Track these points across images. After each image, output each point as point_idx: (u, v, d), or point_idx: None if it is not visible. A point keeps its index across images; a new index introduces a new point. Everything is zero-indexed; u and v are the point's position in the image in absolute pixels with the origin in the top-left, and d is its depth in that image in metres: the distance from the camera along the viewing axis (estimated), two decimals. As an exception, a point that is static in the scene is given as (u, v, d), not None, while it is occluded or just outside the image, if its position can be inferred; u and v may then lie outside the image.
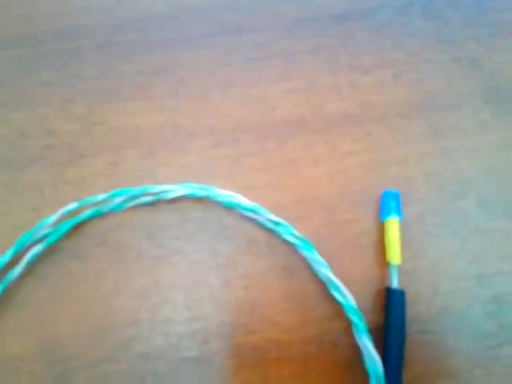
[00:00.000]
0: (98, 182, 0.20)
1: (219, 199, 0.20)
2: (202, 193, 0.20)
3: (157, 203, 0.20)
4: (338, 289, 0.19)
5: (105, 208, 0.20)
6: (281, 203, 0.21)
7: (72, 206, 0.19)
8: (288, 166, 0.22)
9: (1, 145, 0.21)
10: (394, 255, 0.20)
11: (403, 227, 0.21)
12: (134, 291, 0.19)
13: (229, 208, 0.20)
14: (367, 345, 0.18)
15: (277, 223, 0.20)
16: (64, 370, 0.18)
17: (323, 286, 0.20)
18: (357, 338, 0.19)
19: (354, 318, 0.19)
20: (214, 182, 0.21)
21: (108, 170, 0.21)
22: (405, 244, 0.20)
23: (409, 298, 0.20)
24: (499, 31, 0.24)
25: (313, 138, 0.22)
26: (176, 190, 0.20)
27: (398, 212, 0.20)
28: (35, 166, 0.21)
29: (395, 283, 0.20)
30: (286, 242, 0.20)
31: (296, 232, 0.20)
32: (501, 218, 0.21)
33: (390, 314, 0.19)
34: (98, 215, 0.20)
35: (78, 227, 0.20)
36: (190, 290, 0.19)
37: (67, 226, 0.19)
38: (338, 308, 0.19)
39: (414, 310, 0.19)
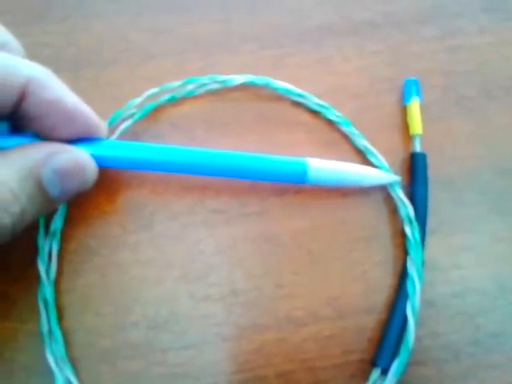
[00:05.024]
0: (166, 78, 0.24)
1: (275, 86, 0.24)
2: (260, 81, 0.24)
3: (221, 91, 0.24)
4: (374, 155, 0.24)
5: (179, 94, 0.24)
6: (317, 94, 0.25)
7: (154, 90, 0.23)
8: (323, 64, 0.26)
9: (83, 48, 0.25)
10: (417, 127, 0.24)
11: (422, 111, 0.25)
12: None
13: (280, 95, 0.24)
14: (399, 194, 0.23)
15: (321, 106, 0.24)
16: (148, 221, 0.22)
17: (361, 154, 0.24)
18: (390, 191, 0.23)
19: (387, 175, 0.23)
20: (262, 76, 0.25)
21: (174, 69, 0.25)
22: (425, 122, 0.24)
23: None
24: None
25: (342, 41, 0.26)
26: (239, 79, 0.24)
27: (418, 94, 0.25)
28: (113, 65, 0.24)
29: (418, 148, 0.24)
30: (328, 121, 0.24)
31: (337, 112, 0.24)
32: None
33: (415, 173, 0.23)
34: (174, 100, 0.24)
35: (157, 110, 0.24)
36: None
37: (150, 107, 0.23)
38: (374, 171, 0.23)
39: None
